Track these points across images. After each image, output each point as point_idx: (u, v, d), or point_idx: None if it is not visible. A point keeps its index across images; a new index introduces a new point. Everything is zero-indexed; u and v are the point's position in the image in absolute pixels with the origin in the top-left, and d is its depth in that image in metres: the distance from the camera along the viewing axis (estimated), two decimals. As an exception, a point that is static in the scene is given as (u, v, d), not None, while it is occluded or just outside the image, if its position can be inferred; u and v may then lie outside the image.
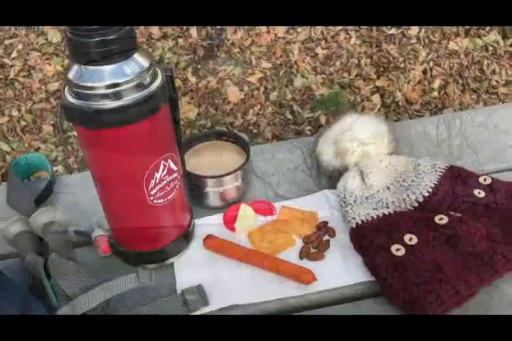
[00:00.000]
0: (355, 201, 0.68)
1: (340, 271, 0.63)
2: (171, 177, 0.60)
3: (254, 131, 1.74)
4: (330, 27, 1.95)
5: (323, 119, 1.76)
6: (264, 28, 1.95)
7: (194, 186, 0.71)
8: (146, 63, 0.52)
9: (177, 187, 0.62)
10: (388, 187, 0.70)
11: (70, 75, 0.51)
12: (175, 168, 0.60)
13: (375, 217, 0.65)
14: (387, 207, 0.67)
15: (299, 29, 1.95)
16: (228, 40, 1.93)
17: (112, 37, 0.49)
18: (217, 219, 0.71)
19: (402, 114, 1.77)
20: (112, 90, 0.50)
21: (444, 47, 1.95)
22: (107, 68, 0.50)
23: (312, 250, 0.65)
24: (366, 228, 0.64)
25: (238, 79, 1.86)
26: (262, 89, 1.84)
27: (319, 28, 1.95)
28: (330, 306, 0.59)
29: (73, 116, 0.52)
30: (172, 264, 0.66)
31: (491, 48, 1.92)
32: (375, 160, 0.72)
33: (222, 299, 0.60)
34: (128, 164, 0.56)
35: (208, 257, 0.66)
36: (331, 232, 0.67)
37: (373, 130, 0.72)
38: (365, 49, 1.94)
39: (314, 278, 0.61)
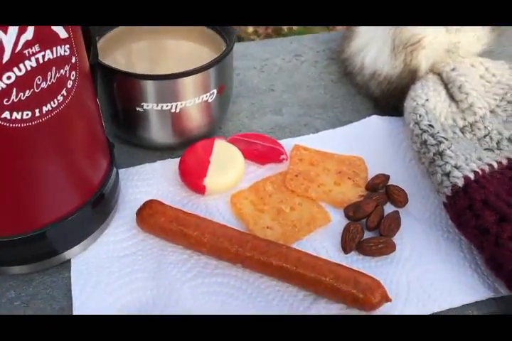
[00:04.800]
0: (452, 137, 0.34)
1: (428, 279, 0.30)
2: (53, 56, 0.23)
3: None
4: None
5: None
6: None
7: (117, 99, 0.34)
8: None
9: (70, 84, 0.25)
10: (493, 111, 0.37)
11: None
12: (64, 35, 0.24)
13: (496, 166, 0.32)
14: (499, 148, 0.35)
15: None
16: None
17: None
18: (165, 168, 0.35)
19: None
20: None
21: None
22: None
23: (368, 234, 0.32)
24: (480, 187, 0.31)
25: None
26: None
27: None
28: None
29: None
30: (67, 264, 0.30)
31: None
32: (465, 63, 0.38)
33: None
34: None
35: (147, 248, 0.31)
36: (401, 197, 0.34)
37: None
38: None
39: (387, 298, 0.28)
